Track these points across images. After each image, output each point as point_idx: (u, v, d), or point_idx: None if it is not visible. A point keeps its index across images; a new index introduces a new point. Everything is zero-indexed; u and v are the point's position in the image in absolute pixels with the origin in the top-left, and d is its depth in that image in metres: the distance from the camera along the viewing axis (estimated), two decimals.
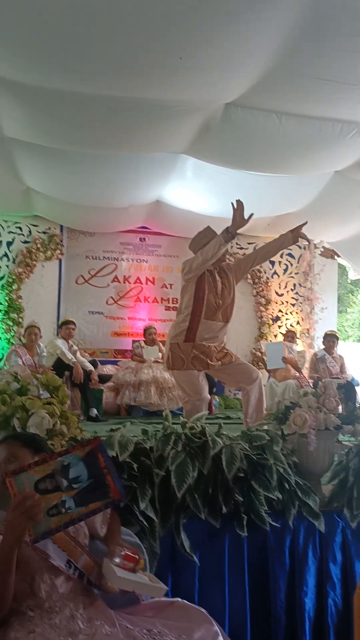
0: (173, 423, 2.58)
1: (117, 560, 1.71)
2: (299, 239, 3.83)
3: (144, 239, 7.75)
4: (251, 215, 3.54)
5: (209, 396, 3.98)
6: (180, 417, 2.67)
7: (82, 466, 1.51)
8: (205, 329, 3.72)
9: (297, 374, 6.13)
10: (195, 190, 5.72)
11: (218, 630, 1.70)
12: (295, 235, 3.79)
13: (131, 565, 1.71)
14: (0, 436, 1.98)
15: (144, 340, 6.76)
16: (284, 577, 2.43)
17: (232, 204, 3.58)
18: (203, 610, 1.77)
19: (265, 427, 2.71)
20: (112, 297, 7.59)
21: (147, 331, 6.78)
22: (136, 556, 1.75)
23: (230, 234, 3.58)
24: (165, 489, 2.33)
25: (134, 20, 2.86)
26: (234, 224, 3.56)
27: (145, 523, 2.23)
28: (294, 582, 2.43)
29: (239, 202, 3.55)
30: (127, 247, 7.69)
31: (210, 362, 3.73)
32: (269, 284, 7.88)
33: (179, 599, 1.80)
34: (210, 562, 2.32)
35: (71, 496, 1.47)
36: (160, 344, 6.75)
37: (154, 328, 6.86)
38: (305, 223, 3.78)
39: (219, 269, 3.83)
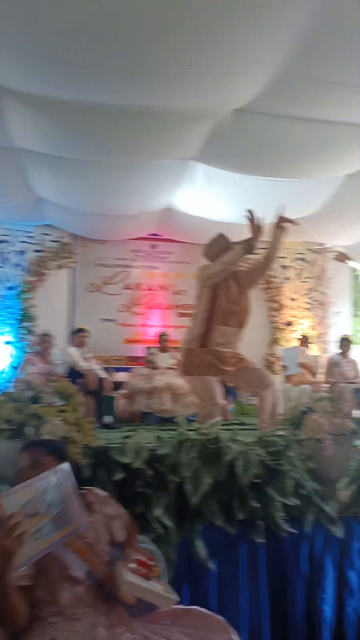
0: (187, 429, 2.56)
1: (130, 565, 1.69)
2: (284, 225, 3.73)
3: (155, 245, 7.76)
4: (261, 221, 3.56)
5: (223, 402, 3.95)
6: (194, 424, 2.66)
7: (56, 491, 1.53)
8: (220, 335, 3.71)
9: (312, 379, 6.09)
10: (206, 197, 5.73)
11: (236, 639, 1.68)
12: (279, 228, 3.73)
13: (145, 572, 1.69)
14: (23, 443, 1.98)
15: (157, 347, 6.75)
16: (302, 585, 2.39)
17: (245, 214, 3.59)
18: (221, 618, 1.75)
19: (281, 433, 2.68)
20: (124, 305, 7.61)
21: (161, 338, 6.77)
22: (151, 563, 1.73)
23: (250, 245, 3.59)
24: (180, 496, 2.32)
25: (142, 29, 2.88)
26: (253, 236, 3.58)
27: (161, 530, 2.21)
28: (313, 590, 2.39)
29: (251, 212, 3.55)
30: (138, 254, 7.71)
31: (224, 367, 3.71)
32: (280, 289, 7.85)
33: (196, 607, 1.78)
34: (227, 570, 2.29)
35: (49, 520, 1.49)
36: (173, 351, 6.75)
37: (167, 335, 6.85)
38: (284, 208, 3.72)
39: (233, 274, 3.82)
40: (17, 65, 3.34)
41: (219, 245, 3.81)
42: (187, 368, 3.81)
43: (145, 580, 1.68)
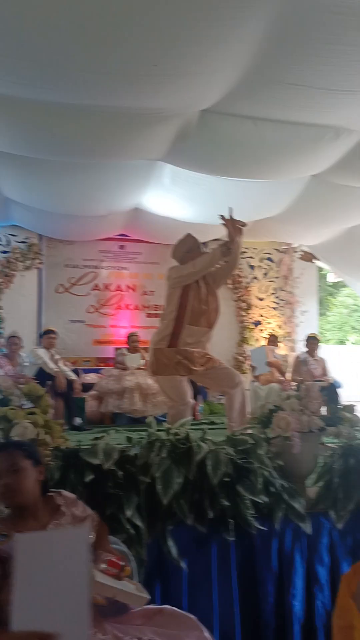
0: (157, 430, 2.57)
1: (102, 566, 1.69)
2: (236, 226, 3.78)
3: (124, 246, 7.74)
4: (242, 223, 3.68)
5: (193, 401, 3.98)
6: (164, 424, 2.67)
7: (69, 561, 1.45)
8: (189, 335, 3.73)
9: (281, 378, 6.17)
10: (174, 197, 5.74)
11: (208, 637, 1.70)
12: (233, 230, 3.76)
13: (115, 572, 1.69)
14: None
15: (126, 348, 6.74)
16: (273, 581, 2.43)
17: (220, 216, 3.63)
18: (192, 616, 1.76)
19: (249, 431, 2.72)
20: (92, 306, 7.56)
21: (130, 338, 6.75)
22: (121, 563, 1.73)
23: (228, 248, 3.66)
24: (151, 496, 2.33)
25: (107, 28, 2.87)
26: (231, 240, 3.67)
27: (132, 530, 2.22)
28: (283, 586, 2.44)
29: (229, 217, 3.63)
30: (106, 255, 7.68)
31: (193, 367, 3.73)
32: (249, 289, 7.93)
33: (168, 606, 1.80)
34: (198, 568, 2.32)
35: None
36: (143, 351, 6.75)
37: (137, 335, 6.84)
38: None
39: (202, 275, 3.85)
40: None
41: (187, 246, 3.84)
42: (156, 368, 3.82)
43: (116, 580, 1.67)
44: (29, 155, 4.59)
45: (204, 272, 3.75)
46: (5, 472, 1.72)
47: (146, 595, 1.74)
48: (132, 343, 6.71)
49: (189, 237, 3.87)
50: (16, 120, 3.94)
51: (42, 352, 5.91)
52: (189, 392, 3.84)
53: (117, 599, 1.66)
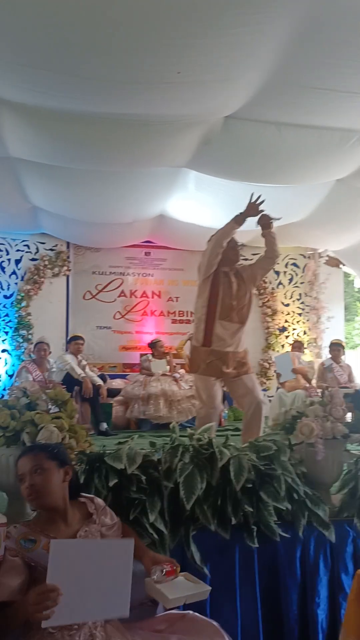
0: (181, 435, 2.59)
1: (155, 577, 1.75)
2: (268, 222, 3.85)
3: (149, 253, 7.81)
4: (261, 201, 3.74)
5: (221, 406, 3.97)
6: (188, 430, 2.69)
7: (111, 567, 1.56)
8: (221, 331, 3.74)
9: (307, 384, 6.11)
10: (198, 203, 5.77)
11: None
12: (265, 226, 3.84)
13: (173, 577, 1.77)
14: (22, 448, 2.00)
15: (151, 354, 6.78)
16: (296, 589, 2.41)
17: (252, 194, 3.73)
18: (215, 623, 1.77)
19: (273, 438, 2.71)
20: (119, 312, 7.64)
21: (155, 345, 6.79)
22: (175, 568, 1.80)
23: (240, 219, 3.72)
24: (174, 501, 2.34)
25: (131, 37, 2.91)
26: (246, 210, 3.73)
27: (155, 535, 2.23)
28: (306, 594, 2.41)
29: (258, 197, 3.71)
30: (132, 262, 7.75)
31: (225, 370, 3.72)
32: (274, 294, 7.90)
33: (191, 612, 1.80)
34: (221, 574, 2.31)
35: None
36: (170, 357, 6.78)
37: (162, 341, 6.88)
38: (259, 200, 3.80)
39: (234, 270, 3.86)
40: (11, 76, 3.37)
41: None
42: (192, 366, 3.90)
43: (180, 587, 1.75)
44: (57, 164, 4.69)
45: (222, 242, 3.74)
46: (29, 474, 1.75)
47: (207, 586, 1.83)
48: (157, 349, 6.74)
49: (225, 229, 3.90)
50: (44, 130, 4.03)
51: (69, 358, 5.99)
52: (219, 395, 3.84)
53: (187, 602, 1.76)
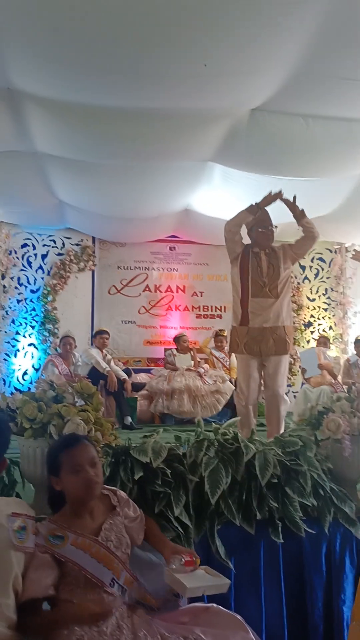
0: (206, 430, 2.59)
1: (174, 566, 1.77)
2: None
3: (174, 247, 7.81)
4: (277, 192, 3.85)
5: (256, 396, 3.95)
6: (213, 424, 2.68)
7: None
8: (256, 307, 3.78)
9: (332, 380, 6.04)
10: (224, 197, 5.73)
11: (254, 638, 1.70)
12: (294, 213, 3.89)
13: (192, 568, 1.78)
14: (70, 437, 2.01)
15: (175, 348, 6.79)
16: (321, 585, 2.40)
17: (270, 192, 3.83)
18: (238, 616, 1.76)
19: (299, 433, 2.69)
20: (144, 306, 7.66)
21: (179, 339, 6.80)
22: (195, 559, 1.81)
23: (255, 208, 3.83)
24: (199, 495, 2.34)
25: (157, 30, 2.91)
26: (262, 201, 3.84)
27: (180, 529, 2.24)
28: (331, 591, 2.39)
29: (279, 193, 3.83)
30: (157, 257, 7.77)
31: (262, 347, 3.74)
32: (300, 289, 7.82)
33: (214, 605, 1.81)
34: (245, 569, 2.31)
35: None
36: (193, 352, 6.78)
37: (186, 336, 6.88)
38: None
39: (267, 249, 3.88)
40: (37, 71, 3.40)
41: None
42: (232, 345, 3.97)
43: (199, 577, 1.77)
44: (84, 159, 4.72)
45: (235, 230, 3.89)
46: (87, 465, 1.77)
47: (226, 579, 1.83)
48: (182, 343, 6.75)
49: (262, 212, 3.92)
50: (70, 125, 4.06)
51: (95, 352, 6.04)
52: (255, 392, 3.84)
53: (207, 594, 1.78)
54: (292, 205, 3.87)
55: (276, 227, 3.99)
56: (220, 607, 1.81)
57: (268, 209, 3.90)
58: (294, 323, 7.74)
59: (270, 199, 3.84)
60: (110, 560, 1.70)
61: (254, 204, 3.85)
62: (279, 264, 3.84)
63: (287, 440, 2.56)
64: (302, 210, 3.89)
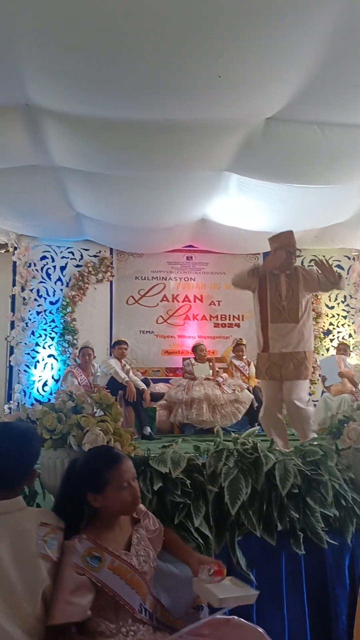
0: (225, 440, 2.58)
1: (203, 577, 1.75)
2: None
3: (191, 257, 7.83)
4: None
5: (278, 417, 3.93)
6: (232, 434, 2.67)
7: None
8: (276, 333, 3.77)
9: (353, 388, 5.96)
10: (240, 206, 5.74)
11: None
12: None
13: (220, 578, 1.76)
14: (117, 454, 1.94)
15: (194, 358, 6.78)
16: (345, 598, 2.35)
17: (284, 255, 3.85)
18: (260, 629, 1.74)
19: (319, 442, 2.66)
20: (161, 316, 7.68)
21: (197, 348, 6.79)
22: (222, 569, 1.79)
23: (257, 269, 3.91)
24: (219, 506, 2.33)
25: (171, 43, 2.94)
26: (263, 265, 3.96)
27: (200, 540, 2.23)
28: (355, 604, 2.35)
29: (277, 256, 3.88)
30: (174, 267, 7.80)
31: (283, 372, 3.74)
32: (318, 297, 7.76)
33: (236, 617, 1.79)
34: (267, 581, 2.28)
35: None
36: (212, 361, 6.76)
37: (204, 345, 6.87)
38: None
39: (288, 269, 3.87)
40: (53, 87, 3.46)
41: (279, 242, 3.92)
42: (257, 372, 4.04)
43: (228, 588, 1.75)
44: (101, 172, 4.77)
45: (238, 287, 4.06)
46: (132, 480, 1.78)
47: (254, 591, 1.80)
48: (199, 353, 6.74)
49: (287, 235, 3.91)
50: (87, 138, 4.11)
51: (113, 362, 6.06)
52: (276, 407, 3.84)
53: (237, 604, 1.75)
54: (328, 272, 3.80)
55: (299, 250, 4.02)
56: (241, 619, 1.79)
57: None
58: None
59: (275, 262, 3.84)
60: (140, 585, 1.69)
61: (255, 268, 3.93)
62: (298, 287, 3.83)
63: (307, 449, 2.54)
64: (339, 275, 3.85)
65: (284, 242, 3.87)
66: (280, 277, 3.83)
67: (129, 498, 1.75)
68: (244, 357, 6.86)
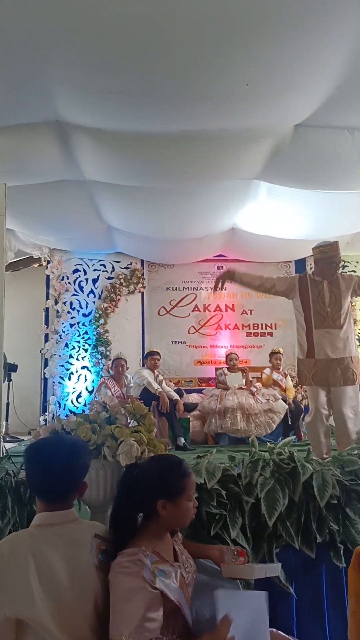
0: (260, 450, 2.54)
1: (232, 560, 1.81)
2: None
3: (222, 266, 7.80)
4: None
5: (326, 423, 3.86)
6: (268, 444, 2.63)
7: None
8: (321, 339, 3.75)
9: None
10: (270, 214, 5.71)
11: None
12: None
13: (244, 559, 1.82)
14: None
15: (226, 367, 6.74)
16: None
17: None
18: None
19: (358, 452, 2.60)
20: (193, 327, 7.68)
21: (229, 357, 6.75)
22: (243, 551, 1.86)
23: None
24: (255, 517, 2.29)
25: (200, 54, 2.96)
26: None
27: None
28: None
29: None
30: (205, 276, 7.79)
31: (330, 378, 3.71)
32: (353, 304, 7.58)
33: (274, 630, 1.75)
34: (307, 594, 2.23)
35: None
36: (246, 371, 6.70)
37: (236, 354, 6.82)
38: None
39: (330, 278, 3.86)
40: (83, 103, 3.53)
41: (321, 254, 3.89)
42: (300, 378, 3.96)
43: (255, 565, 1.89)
44: (131, 185, 4.83)
45: (277, 294, 4.05)
46: (192, 495, 1.79)
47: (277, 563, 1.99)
48: (231, 362, 6.69)
49: (333, 247, 3.89)
50: (117, 152, 4.16)
51: (146, 373, 6.08)
52: (326, 415, 3.79)
53: (269, 575, 1.88)
54: None
55: (343, 262, 3.96)
56: (280, 632, 1.75)
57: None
58: None
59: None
60: (188, 597, 1.67)
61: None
62: (340, 293, 3.83)
63: (345, 459, 2.48)
64: None
65: (328, 254, 3.87)
66: (323, 284, 3.84)
67: (192, 510, 1.76)
68: (281, 369, 6.76)
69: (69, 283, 7.45)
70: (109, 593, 1.53)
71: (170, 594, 1.55)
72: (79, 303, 7.46)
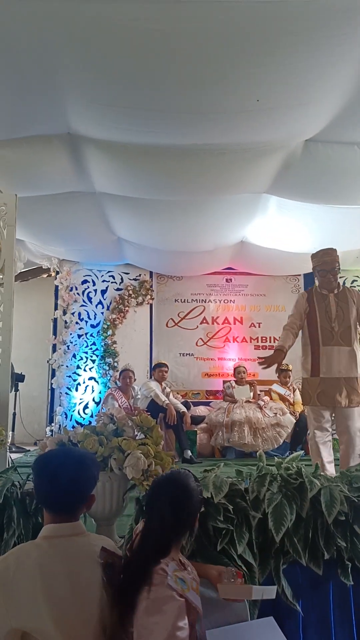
0: (268, 464, 2.52)
1: (230, 580, 1.79)
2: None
3: (230, 279, 7.83)
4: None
5: (327, 442, 3.80)
6: (275, 459, 2.60)
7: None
8: (329, 357, 3.64)
9: None
10: (280, 228, 5.72)
11: None
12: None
13: (241, 581, 1.81)
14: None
15: (234, 380, 6.72)
16: None
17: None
18: None
19: None
20: (201, 339, 7.68)
21: (237, 370, 6.73)
22: (240, 572, 1.85)
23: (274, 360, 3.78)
24: (263, 532, 2.26)
25: (211, 69, 2.99)
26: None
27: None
28: None
29: None
30: (214, 289, 7.81)
31: (337, 398, 3.59)
32: None
33: None
34: (314, 612, 2.19)
35: None
36: (254, 384, 6.67)
37: (244, 367, 6.80)
38: None
39: (332, 286, 3.78)
40: (94, 116, 3.57)
41: (321, 260, 3.83)
42: (304, 398, 3.82)
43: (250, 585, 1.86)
44: (141, 197, 4.86)
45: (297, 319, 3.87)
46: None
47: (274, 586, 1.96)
48: (239, 375, 6.67)
49: (328, 252, 3.83)
50: (128, 165, 4.20)
51: (154, 385, 6.07)
52: (327, 434, 3.71)
53: (266, 597, 1.87)
54: None
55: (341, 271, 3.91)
56: None
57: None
58: None
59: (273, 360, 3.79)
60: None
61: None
62: (347, 307, 3.72)
63: (353, 475, 2.45)
64: None
65: (324, 258, 3.81)
66: (330, 297, 3.73)
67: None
68: (289, 384, 6.73)
69: (78, 294, 7.49)
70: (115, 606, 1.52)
71: (194, 600, 1.54)
72: (87, 314, 7.49)
